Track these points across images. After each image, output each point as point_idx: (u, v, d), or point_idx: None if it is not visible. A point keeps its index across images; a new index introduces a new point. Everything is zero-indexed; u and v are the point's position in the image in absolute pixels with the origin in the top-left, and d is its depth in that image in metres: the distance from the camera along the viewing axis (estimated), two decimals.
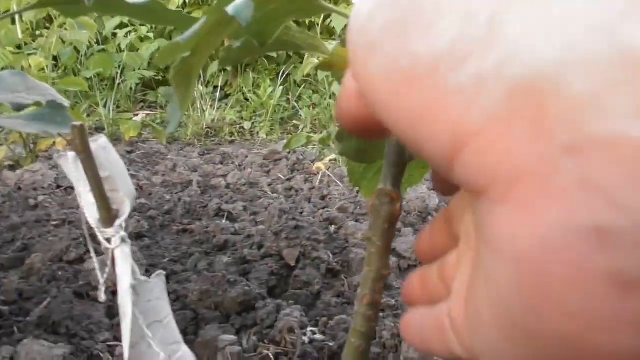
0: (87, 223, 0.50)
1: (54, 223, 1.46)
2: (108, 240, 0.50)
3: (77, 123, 0.48)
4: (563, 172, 0.11)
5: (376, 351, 0.93)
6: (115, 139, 2.98)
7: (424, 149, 0.14)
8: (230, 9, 0.32)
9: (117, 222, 0.50)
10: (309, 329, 0.97)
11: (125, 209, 0.50)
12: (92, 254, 0.54)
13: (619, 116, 0.10)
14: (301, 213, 1.63)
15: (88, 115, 3.34)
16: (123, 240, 0.50)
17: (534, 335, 0.12)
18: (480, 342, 0.15)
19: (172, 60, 0.37)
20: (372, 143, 0.62)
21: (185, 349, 0.53)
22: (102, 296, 0.54)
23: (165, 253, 1.31)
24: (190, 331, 0.99)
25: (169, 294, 1.10)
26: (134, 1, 0.52)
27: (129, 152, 2.62)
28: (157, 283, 0.52)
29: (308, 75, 3.59)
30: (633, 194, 0.10)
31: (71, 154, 0.48)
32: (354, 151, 0.63)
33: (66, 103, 0.75)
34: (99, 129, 3.15)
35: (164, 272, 0.54)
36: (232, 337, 0.92)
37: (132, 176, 1.98)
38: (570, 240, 0.11)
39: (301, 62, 3.53)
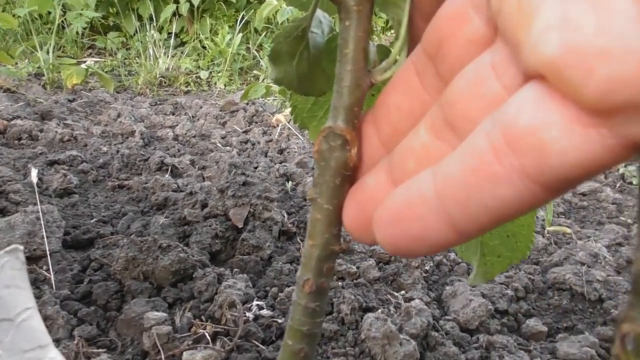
0: None
1: None
2: None
3: None
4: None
5: (333, 328, 0.80)
6: (56, 87, 2.71)
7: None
8: None
9: None
10: (255, 302, 0.82)
11: None
12: None
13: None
14: (255, 168, 1.46)
15: (28, 61, 3.04)
16: None
17: None
18: None
19: None
20: (318, 67, 0.45)
21: (53, 355, 0.37)
22: None
23: (94, 212, 1.13)
24: (112, 306, 0.83)
25: (91, 261, 0.93)
26: None
27: (71, 101, 2.37)
28: (8, 263, 0.35)
29: (269, 22, 3.35)
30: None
31: None
32: (296, 78, 0.46)
33: None
34: (38, 75, 2.87)
35: (21, 248, 0.37)
36: (161, 314, 0.76)
37: (67, 125, 1.77)
38: None
39: None
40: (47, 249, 0.88)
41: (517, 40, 0.18)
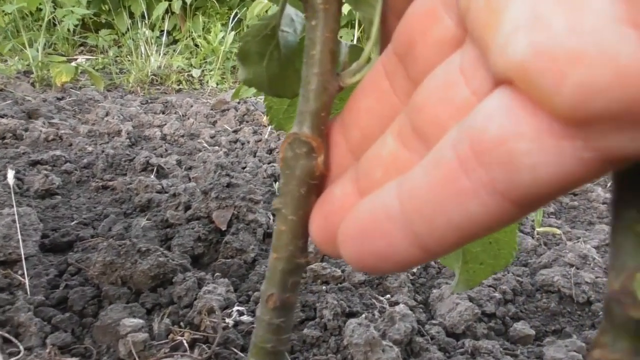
0: None
1: None
2: None
3: None
4: None
5: (315, 334, 0.78)
6: (45, 85, 2.68)
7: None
8: None
9: None
10: (236, 308, 0.80)
11: None
12: None
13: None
14: (243, 168, 1.44)
15: (17, 58, 3.01)
16: None
17: None
18: None
19: None
20: (291, 67, 0.43)
21: None
22: None
23: (75, 214, 1.11)
24: (89, 312, 0.80)
25: (68, 265, 0.91)
26: None
27: (59, 99, 2.33)
28: None
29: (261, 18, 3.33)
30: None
31: None
32: (266, 79, 0.44)
33: None
34: (27, 73, 2.83)
35: None
36: (138, 321, 0.74)
37: (53, 124, 1.74)
38: None
39: None
40: (23, 252, 0.86)
41: (485, 42, 0.16)
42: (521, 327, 0.93)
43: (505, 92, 0.16)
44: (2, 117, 1.74)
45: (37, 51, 2.86)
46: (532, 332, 0.92)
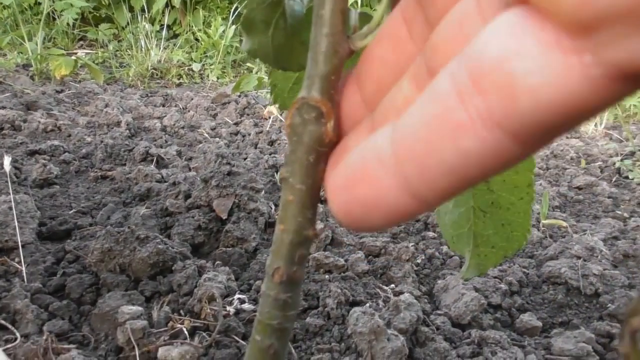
0: None
1: None
2: None
3: None
4: None
5: (318, 323, 0.76)
6: (44, 78, 2.67)
7: None
8: None
9: None
10: (237, 296, 0.78)
11: None
12: None
13: None
14: (245, 159, 1.42)
15: (17, 52, 2.99)
16: None
17: None
18: None
19: None
20: (297, 38, 0.42)
21: None
22: None
23: (73, 203, 1.09)
24: (86, 300, 0.79)
25: (65, 253, 0.89)
26: None
27: (58, 92, 2.31)
28: None
29: None
30: None
31: None
32: (272, 50, 0.42)
33: None
34: (26, 66, 2.81)
35: None
36: (136, 309, 0.72)
37: (52, 115, 1.72)
38: None
39: None
40: (19, 240, 0.84)
41: None
42: (528, 319, 0.91)
43: (514, 11, 0.15)
44: (1, 109, 1.72)
45: (37, 45, 2.84)
46: (539, 323, 0.91)
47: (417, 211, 0.18)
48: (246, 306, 0.76)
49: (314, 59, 0.28)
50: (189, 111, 2.02)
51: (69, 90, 2.37)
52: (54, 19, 3.53)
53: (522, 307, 0.97)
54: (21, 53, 2.93)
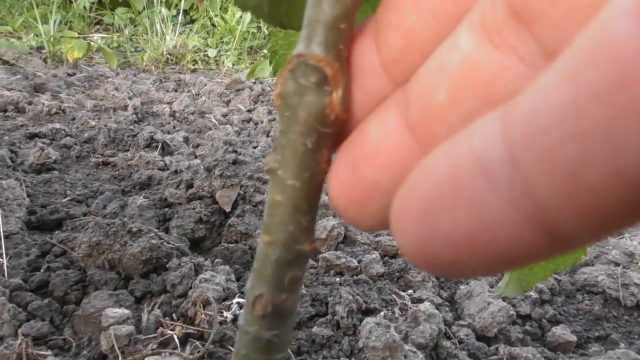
0: None
1: None
2: None
3: None
4: None
5: (326, 333, 0.67)
6: (57, 61, 2.61)
7: None
8: None
9: None
10: (236, 299, 0.70)
11: None
12: None
13: None
14: (255, 147, 1.34)
15: (32, 35, 2.95)
16: None
17: None
18: None
19: None
20: None
21: None
22: None
23: (68, 190, 1.02)
24: (71, 298, 0.71)
25: (52, 246, 0.82)
26: None
27: (70, 75, 2.26)
28: None
29: None
30: None
31: None
32: (267, 1, 0.33)
33: None
34: (40, 49, 2.77)
35: None
36: (123, 312, 0.65)
37: (57, 98, 1.65)
38: None
39: None
40: (2, 229, 0.77)
41: None
42: (561, 332, 0.81)
43: None
44: (8, 91, 1.67)
45: (51, 27, 2.79)
46: (574, 337, 0.81)
47: (546, 253, 0.11)
48: None
49: (314, 4, 0.19)
50: (201, 97, 1.95)
51: (80, 74, 2.31)
52: (71, 2, 3.48)
53: (553, 318, 0.87)
54: (36, 36, 2.88)
